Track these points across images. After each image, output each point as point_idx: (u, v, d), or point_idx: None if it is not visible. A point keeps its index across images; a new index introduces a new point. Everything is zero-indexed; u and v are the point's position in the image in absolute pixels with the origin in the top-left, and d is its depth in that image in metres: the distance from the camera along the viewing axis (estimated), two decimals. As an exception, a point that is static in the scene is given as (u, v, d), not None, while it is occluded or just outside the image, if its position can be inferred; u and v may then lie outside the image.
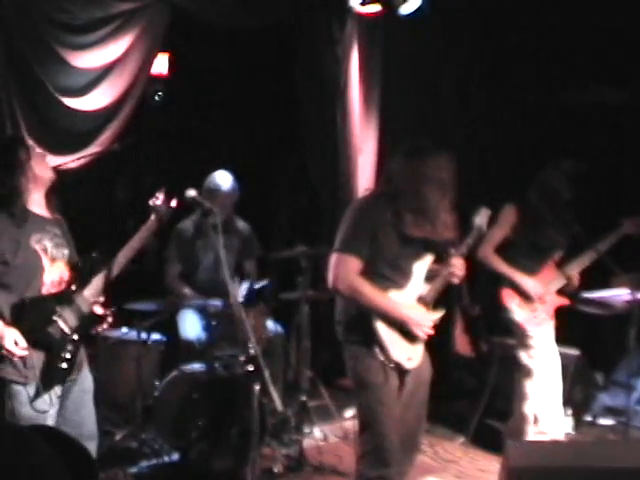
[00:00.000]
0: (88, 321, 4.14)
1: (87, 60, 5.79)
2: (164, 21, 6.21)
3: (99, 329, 4.25)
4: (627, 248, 5.63)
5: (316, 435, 6.10)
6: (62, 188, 4.25)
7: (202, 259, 6.26)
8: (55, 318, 3.98)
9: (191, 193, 4.27)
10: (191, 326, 6.05)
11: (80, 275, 4.13)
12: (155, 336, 5.90)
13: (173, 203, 4.34)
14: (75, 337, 4.05)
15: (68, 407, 4.10)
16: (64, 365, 4.01)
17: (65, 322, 4.00)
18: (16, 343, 3.83)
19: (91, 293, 4.13)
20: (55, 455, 1.55)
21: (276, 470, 5.43)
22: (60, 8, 5.55)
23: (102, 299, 4.22)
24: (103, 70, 5.90)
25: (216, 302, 5.75)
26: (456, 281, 4.33)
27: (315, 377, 6.22)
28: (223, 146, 7.66)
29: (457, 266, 4.28)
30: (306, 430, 5.98)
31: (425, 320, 4.24)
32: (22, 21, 5.40)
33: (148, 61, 6.22)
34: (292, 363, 6.74)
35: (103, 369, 6.03)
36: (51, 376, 3.96)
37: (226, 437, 5.28)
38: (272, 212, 8.26)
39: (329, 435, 6.26)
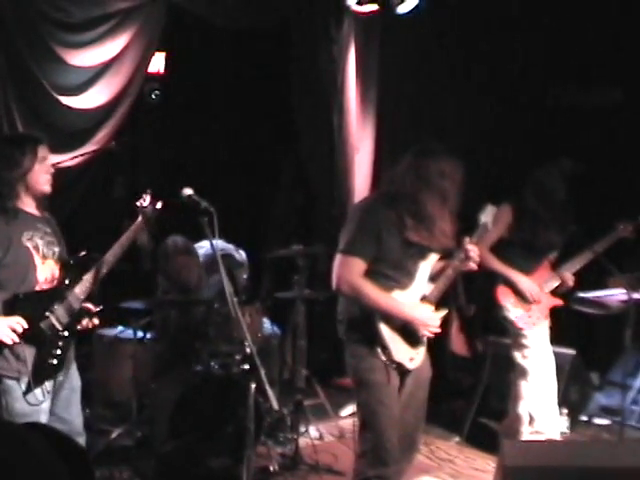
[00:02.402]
0: (78, 318, 4.15)
1: (84, 58, 5.79)
2: (161, 20, 6.21)
3: (87, 326, 4.25)
4: (623, 248, 5.64)
5: (312, 434, 6.09)
6: (58, 186, 4.24)
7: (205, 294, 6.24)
8: (48, 314, 3.98)
9: (187, 192, 4.25)
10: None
11: (71, 272, 4.13)
12: (151, 335, 5.90)
13: (159, 205, 4.42)
14: (66, 334, 4.06)
15: (58, 405, 4.12)
16: (54, 361, 4.02)
17: (57, 318, 4.01)
18: (12, 329, 3.81)
19: (82, 290, 4.13)
20: (52, 452, 1.55)
21: (272, 469, 5.42)
22: (57, 6, 5.55)
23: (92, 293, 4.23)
24: (100, 68, 5.90)
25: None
26: (473, 266, 4.28)
27: (311, 376, 6.23)
28: (219, 145, 7.66)
29: (472, 251, 4.22)
30: (302, 429, 5.97)
31: (431, 319, 4.23)
32: (19, 19, 5.39)
33: (145, 59, 6.22)
34: (288, 362, 6.74)
35: (99, 367, 6.04)
36: (41, 371, 3.96)
37: (222, 435, 5.28)
38: (268, 211, 8.26)
39: (325, 434, 6.27)
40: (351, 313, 4.26)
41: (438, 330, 4.26)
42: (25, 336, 3.88)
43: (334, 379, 6.94)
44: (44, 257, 4.03)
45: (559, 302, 5.66)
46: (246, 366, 4.88)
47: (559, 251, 5.70)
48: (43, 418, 3.96)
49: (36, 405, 3.93)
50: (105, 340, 5.88)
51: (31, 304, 3.94)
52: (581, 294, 6.22)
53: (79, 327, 4.19)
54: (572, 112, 7.15)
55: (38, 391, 3.95)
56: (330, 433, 6.31)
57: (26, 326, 3.85)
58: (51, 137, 5.53)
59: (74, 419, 4.23)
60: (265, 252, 6.38)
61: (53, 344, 4.01)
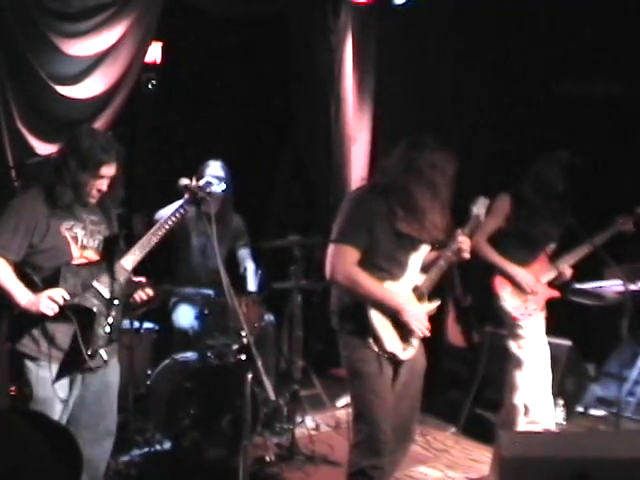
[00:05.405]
0: (129, 290, 4.11)
1: (80, 48, 5.76)
2: (158, 9, 6.18)
3: (141, 298, 4.20)
4: (620, 239, 5.64)
5: (308, 424, 6.10)
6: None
7: (193, 242, 6.23)
8: (94, 283, 3.94)
9: (184, 182, 4.23)
10: (184, 315, 6.04)
11: (118, 245, 4.07)
12: (147, 324, 5.89)
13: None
14: (116, 302, 4.00)
15: (87, 396, 4.06)
16: (107, 329, 3.95)
17: (104, 287, 3.96)
18: (53, 300, 3.76)
19: (129, 262, 4.06)
20: (36, 436, 1.54)
21: (268, 459, 5.44)
22: (53, -5, 5.53)
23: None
24: (96, 58, 5.87)
25: (209, 291, 5.76)
26: (466, 256, 4.29)
27: (307, 366, 6.23)
28: (217, 135, 7.64)
29: (464, 242, 4.25)
30: (298, 419, 5.98)
31: (421, 316, 4.23)
32: (15, 8, 5.37)
33: (142, 49, 6.20)
34: (284, 352, 6.75)
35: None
36: (95, 340, 3.89)
37: (218, 426, 5.28)
38: (266, 201, 8.25)
39: (321, 424, 6.29)
40: (343, 304, 4.26)
41: (428, 333, 4.26)
42: (70, 306, 3.82)
43: (330, 369, 6.95)
44: (83, 247, 4.00)
45: (556, 294, 5.67)
46: (242, 356, 4.89)
47: (557, 243, 5.71)
48: (58, 408, 3.90)
49: (56, 395, 3.88)
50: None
51: (75, 275, 3.90)
52: (578, 285, 6.22)
53: (133, 300, 4.14)
54: (570, 104, 7.14)
55: (60, 383, 3.90)
56: (326, 423, 6.32)
57: (68, 297, 3.80)
58: (47, 127, 5.55)
59: (104, 414, 4.15)
60: (262, 242, 6.38)
61: (102, 313, 3.94)
